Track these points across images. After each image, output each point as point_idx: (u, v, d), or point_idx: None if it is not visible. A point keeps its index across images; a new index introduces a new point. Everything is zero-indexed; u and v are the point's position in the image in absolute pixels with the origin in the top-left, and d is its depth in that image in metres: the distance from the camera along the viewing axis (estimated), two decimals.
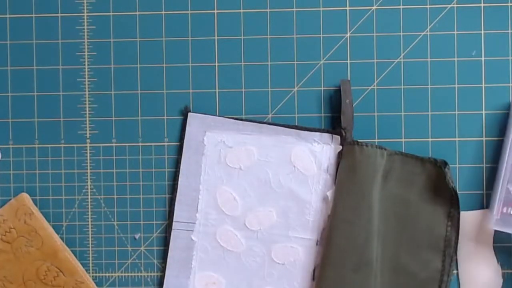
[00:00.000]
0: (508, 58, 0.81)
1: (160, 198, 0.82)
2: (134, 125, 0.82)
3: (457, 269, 0.81)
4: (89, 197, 0.83)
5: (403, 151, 0.81)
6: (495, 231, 0.80)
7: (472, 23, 0.81)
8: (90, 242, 0.83)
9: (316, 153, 0.81)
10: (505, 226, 0.77)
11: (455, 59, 0.81)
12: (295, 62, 0.82)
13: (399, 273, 0.79)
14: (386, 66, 0.81)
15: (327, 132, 0.81)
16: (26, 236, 0.81)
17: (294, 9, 0.82)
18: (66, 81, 0.83)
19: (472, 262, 0.80)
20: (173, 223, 0.81)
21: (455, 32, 0.81)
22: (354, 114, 0.80)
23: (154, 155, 0.82)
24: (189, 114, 0.81)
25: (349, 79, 0.81)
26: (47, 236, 0.81)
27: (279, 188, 0.81)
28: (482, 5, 0.81)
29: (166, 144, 0.82)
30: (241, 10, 0.82)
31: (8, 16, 0.83)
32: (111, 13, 0.82)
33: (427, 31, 0.81)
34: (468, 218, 0.80)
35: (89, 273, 0.82)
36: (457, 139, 0.81)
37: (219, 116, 0.82)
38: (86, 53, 0.82)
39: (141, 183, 0.82)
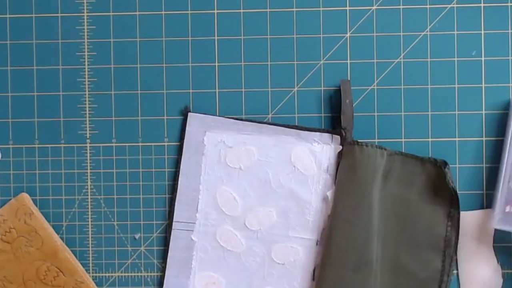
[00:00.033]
0: (508, 58, 0.81)
1: (160, 198, 0.82)
2: (134, 125, 0.82)
3: (457, 269, 0.81)
4: (89, 197, 0.83)
5: (403, 151, 0.81)
6: (495, 231, 0.80)
7: (472, 23, 0.81)
8: (90, 242, 0.83)
9: (316, 153, 0.81)
10: (508, 225, 0.77)
11: (455, 59, 0.81)
12: (295, 62, 0.82)
13: (399, 273, 0.79)
14: (386, 66, 0.81)
15: (327, 132, 0.81)
16: (26, 236, 0.81)
17: (294, 9, 0.82)
18: (66, 81, 0.83)
19: (472, 262, 0.80)
20: (173, 223, 0.81)
21: (455, 32, 0.81)
22: (354, 114, 0.80)
23: (154, 155, 0.82)
24: (189, 114, 0.81)
25: (349, 79, 0.81)
26: (47, 236, 0.81)
27: (279, 188, 0.81)
28: (482, 5, 0.81)
29: (166, 144, 0.82)
30: (241, 10, 0.82)
31: (8, 16, 0.83)
32: (111, 13, 0.82)
33: (427, 31, 0.81)
34: (468, 218, 0.80)
35: (89, 273, 0.82)
36: (457, 139, 0.81)
37: (219, 116, 0.81)
38: (86, 53, 0.82)
39: (141, 183, 0.82)
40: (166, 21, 0.82)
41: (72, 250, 0.82)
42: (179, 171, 0.81)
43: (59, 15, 0.82)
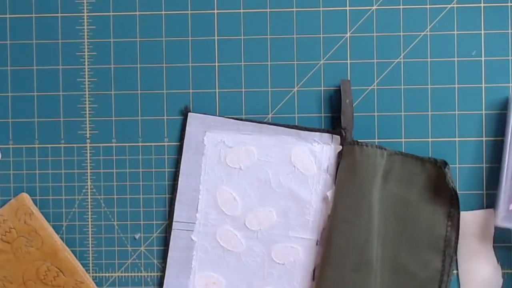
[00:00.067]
0: (508, 58, 0.81)
1: (160, 198, 0.82)
2: (134, 125, 0.82)
3: (457, 269, 0.81)
4: (89, 197, 0.83)
5: (403, 151, 0.81)
6: (495, 231, 0.80)
7: (472, 23, 0.81)
8: (90, 242, 0.83)
9: (316, 153, 0.81)
10: None
11: (455, 59, 0.81)
12: (295, 62, 0.82)
13: (399, 273, 0.79)
14: (386, 66, 0.81)
15: (327, 132, 0.81)
16: (26, 236, 0.81)
17: (294, 9, 0.82)
18: (66, 81, 0.83)
19: (472, 262, 0.80)
20: (173, 223, 0.81)
21: (455, 32, 0.81)
22: (354, 114, 0.80)
23: (154, 155, 0.82)
24: (189, 114, 0.81)
25: (349, 79, 0.81)
26: (47, 236, 0.81)
27: (279, 188, 0.81)
28: (482, 5, 0.81)
29: (166, 144, 0.82)
30: (241, 10, 0.82)
31: (8, 16, 0.83)
32: (111, 13, 0.82)
33: (427, 31, 0.81)
34: (468, 218, 0.80)
35: (89, 273, 0.82)
36: (457, 139, 0.81)
37: (219, 116, 0.81)
38: (86, 53, 0.82)
39: (141, 183, 0.82)
40: (166, 21, 0.82)
41: (72, 250, 0.82)
42: (179, 171, 0.81)
43: (59, 15, 0.82)
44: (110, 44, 0.82)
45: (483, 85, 0.81)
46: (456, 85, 0.81)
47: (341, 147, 0.80)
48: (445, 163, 0.79)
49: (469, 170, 0.81)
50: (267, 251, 0.81)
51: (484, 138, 0.81)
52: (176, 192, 0.81)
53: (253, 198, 0.81)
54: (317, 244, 0.81)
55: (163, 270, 0.82)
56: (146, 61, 0.82)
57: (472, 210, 0.81)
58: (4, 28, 0.83)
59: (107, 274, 0.83)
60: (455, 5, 0.81)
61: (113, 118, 0.82)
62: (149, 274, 0.82)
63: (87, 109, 0.83)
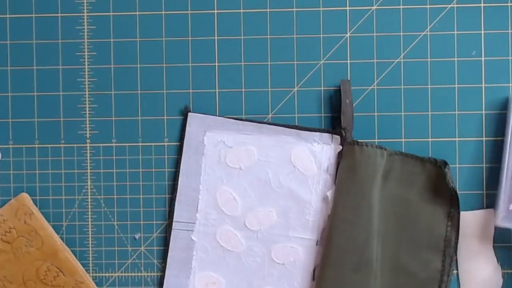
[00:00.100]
0: (508, 58, 0.81)
1: (160, 198, 0.82)
2: (134, 125, 0.82)
3: (457, 269, 0.81)
4: (89, 197, 0.83)
5: (403, 151, 0.81)
6: (495, 231, 0.80)
7: (472, 23, 0.81)
8: (90, 242, 0.83)
9: (316, 153, 0.81)
10: None
11: (455, 59, 0.81)
12: (295, 62, 0.82)
13: (399, 273, 0.79)
14: (386, 66, 0.81)
15: (327, 132, 0.81)
16: (26, 236, 0.81)
17: (294, 9, 0.82)
18: (66, 81, 0.83)
19: (472, 262, 0.80)
20: (173, 223, 0.81)
21: (455, 32, 0.81)
22: (354, 114, 0.80)
23: (154, 155, 0.82)
24: (189, 114, 0.81)
25: (349, 79, 0.81)
26: (47, 236, 0.81)
27: (279, 188, 0.81)
28: (482, 5, 0.81)
29: (166, 144, 0.82)
30: (241, 10, 0.82)
31: (8, 16, 0.83)
32: (111, 13, 0.82)
33: (427, 31, 0.81)
34: (468, 218, 0.80)
35: (89, 273, 0.82)
36: (457, 139, 0.81)
37: (219, 116, 0.82)
38: (86, 53, 0.82)
39: (141, 183, 0.82)
40: (166, 21, 0.82)
41: (72, 250, 0.82)
42: (179, 171, 0.81)
43: (59, 15, 0.82)
44: (110, 44, 0.82)
45: (483, 85, 0.81)
46: (456, 85, 0.81)
47: (341, 147, 0.80)
48: (445, 163, 0.79)
49: (469, 170, 0.81)
50: (267, 251, 0.81)
51: (484, 138, 0.81)
52: (176, 192, 0.81)
53: (253, 198, 0.81)
54: (317, 244, 0.81)
55: (163, 270, 0.82)
56: (146, 61, 0.82)
57: (472, 210, 0.81)
58: (4, 28, 0.83)
59: (107, 274, 0.83)
60: (455, 5, 0.81)
61: (113, 118, 0.82)
62: (149, 274, 0.82)
63: (87, 109, 0.83)
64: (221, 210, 0.81)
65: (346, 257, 0.78)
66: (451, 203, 0.79)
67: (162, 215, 0.82)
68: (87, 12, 0.82)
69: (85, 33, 0.82)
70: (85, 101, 0.83)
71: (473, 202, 0.81)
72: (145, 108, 0.82)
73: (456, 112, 0.81)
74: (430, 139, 0.81)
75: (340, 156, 0.80)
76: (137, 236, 0.82)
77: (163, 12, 0.82)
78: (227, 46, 0.82)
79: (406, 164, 0.79)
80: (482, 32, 0.81)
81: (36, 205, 0.82)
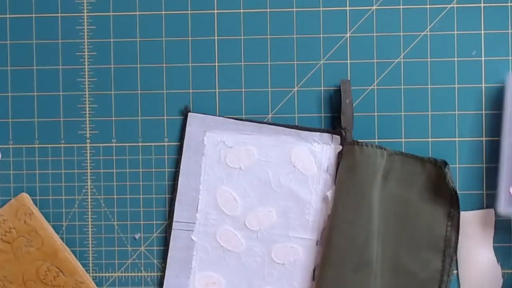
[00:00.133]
0: (508, 58, 0.81)
1: (160, 198, 0.82)
2: (134, 125, 0.82)
3: (457, 269, 0.81)
4: (89, 197, 0.83)
5: (403, 151, 0.81)
6: (495, 231, 0.80)
7: (472, 23, 0.81)
8: (90, 242, 0.83)
9: (316, 153, 0.81)
10: None
11: (455, 59, 0.81)
12: (295, 62, 0.82)
13: (399, 273, 0.79)
14: (386, 66, 0.81)
15: (327, 132, 0.81)
16: (26, 236, 0.81)
17: (294, 9, 0.82)
18: (66, 81, 0.83)
19: (472, 262, 0.80)
20: (173, 223, 0.81)
21: (455, 32, 0.81)
22: (354, 114, 0.80)
23: (154, 155, 0.82)
24: (189, 114, 0.81)
25: (349, 79, 0.81)
26: (47, 236, 0.81)
27: (279, 188, 0.81)
28: (482, 5, 0.81)
29: (166, 144, 0.82)
30: (241, 10, 0.82)
31: (8, 16, 0.83)
32: (111, 13, 0.82)
33: (427, 31, 0.81)
34: (468, 218, 0.80)
35: (89, 273, 0.82)
36: (457, 139, 0.81)
37: (219, 116, 0.82)
38: (86, 53, 0.82)
39: (141, 183, 0.82)
40: (166, 21, 0.82)
41: (72, 250, 0.82)
42: (179, 171, 0.81)
43: (59, 15, 0.82)
44: (110, 44, 0.82)
45: (483, 85, 0.81)
46: (456, 85, 0.81)
47: (341, 147, 0.80)
48: (445, 163, 0.79)
49: (469, 170, 0.81)
50: (267, 251, 0.81)
51: (484, 138, 0.81)
52: (176, 192, 0.81)
53: (253, 198, 0.81)
54: (317, 244, 0.81)
55: (163, 270, 0.82)
56: (146, 61, 0.82)
57: (472, 210, 0.81)
58: (4, 28, 0.83)
59: (107, 274, 0.83)
60: (455, 5, 0.81)
61: (113, 118, 0.82)
62: (149, 274, 0.82)
63: (87, 109, 0.83)
64: (221, 210, 0.81)
65: (346, 257, 0.78)
66: (451, 203, 0.79)
67: (162, 215, 0.82)
68: (87, 12, 0.82)
69: (85, 33, 0.82)
70: (85, 101, 0.83)
71: (473, 202, 0.81)
72: (145, 108, 0.82)
73: (456, 112, 0.81)
74: (430, 139, 0.81)
75: (340, 156, 0.80)
76: (137, 236, 0.82)
77: (163, 12, 0.82)
78: (227, 46, 0.82)
79: (406, 164, 0.79)
80: (482, 32, 0.81)
81: (36, 205, 0.82)
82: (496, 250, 0.80)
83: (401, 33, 0.81)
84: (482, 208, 0.81)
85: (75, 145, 0.83)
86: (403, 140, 0.81)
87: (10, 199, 0.82)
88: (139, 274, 0.82)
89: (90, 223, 0.83)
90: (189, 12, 0.82)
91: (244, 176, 0.81)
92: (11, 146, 0.83)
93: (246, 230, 0.81)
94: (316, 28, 0.81)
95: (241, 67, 0.82)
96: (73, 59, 0.83)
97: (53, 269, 0.81)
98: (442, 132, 0.81)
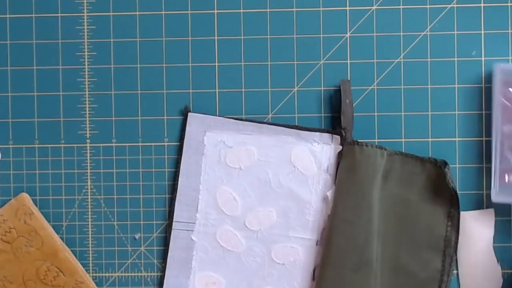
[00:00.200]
0: (508, 58, 0.81)
1: (160, 198, 0.82)
2: (134, 125, 0.82)
3: (457, 269, 0.81)
4: (89, 197, 0.83)
5: (403, 151, 0.81)
6: (495, 231, 0.80)
7: (472, 23, 0.81)
8: (90, 242, 0.83)
9: (316, 153, 0.81)
10: (508, 196, 0.77)
11: (455, 59, 0.81)
12: (295, 62, 0.82)
13: (399, 273, 0.79)
14: (386, 66, 0.81)
15: (327, 132, 0.81)
16: (26, 236, 0.81)
17: (294, 9, 0.82)
18: (66, 81, 0.83)
19: (472, 262, 0.80)
20: (173, 223, 0.81)
21: (455, 32, 0.81)
22: (354, 114, 0.80)
23: (154, 155, 0.82)
24: (189, 114, 0.81)
25: (349, 79, 0.81)
26: (47, 236, 0.81)
27: (279, 188, 0.81)
28: (482, 5, 0.81)
29: (166, 144, 0.82)
30: (241, 10, 0.82)
31: (8, 16, 0.83)
32: (111, 13, 0.82)
33: (427, 31, 0.81)
34: (468, 218, 0.80)
35: (89, 273, 0.82)
36: (457, 139, 0.81)
37: (219, 116, 0.82)
38: (86, 53, 0.82)
39: (141, 183, 0.82)
40: (166, 21, 0.82)
41: (72, 250, 0.82)
42: (179, 171, 0.81)
43: (59, 15, 0.82)
44: (110, 44, 0.82)
45: (483, 85, 0.81)
46: (456, 85, 0.81)
47: (341, 147, 0.80)
48: (445, 163, 0.79)
49: (469, 170, 0.81)
50: (267, 251, 0.81)
51: (484, 138, 0.81)
52: (176, 192, 0.81)
53: (253, 198, 0.81)
54: (317, 244, 0.81)
55: (163, 270, 0.82)
56: (146, 61, 0.82)
57: (472, 210, 0.81)
58: (4, 28, 0.83)
59: (107, 274, 0.83)
60: (455, 5, 0.81)
61: (113, 118, 0.82)
62: (149, 274, 0.82)
63: (87, 109, 0.83)
64: (221, 210, 0.81)
65: (346, 257, 0.78)
66: (451, 203, 0.79)
67: (162, 215, 0.82)
68: (87, 12, 0.82)
69: (85, 33, 0.82)
70: (85, 101, 0.83)
71: (473, 202, 0.81)
72: (145, 108, 0.82)
73: (456, 112, 0.81)
74: (430, 139, 0.81)
75: (340, 156, 0.80)
76: (137, 236, 0.82)
77: (163, 12, 0.82)
78: (227, 46, 0.82)
79: (406, 164, 0.79)
80: (482, 32, 0.81)
81: (36, 205, 0.82)
82: (496, 250, 0.80)
83: (401, 33, 0.81)
84: (482, 208, 0.81)
85: (75, 145, 0.83)
86: (403, 140, 0.81)
87: (10, 199, 0.82)
88: (139, 274, 0.82)
89: (90, 223, 0.83)
90: (189, 12, 0.82)
91: (244, 176, 0.81)
92: (11, 146, 0.83)
93: (246, 230, 0.81)
94: (316, 28, 0.81)
95: (241, 67, 0.82)
96: (73, 59, 0.83)
97: (53, 269, 0.81)
98: (442, 132, 0.81)
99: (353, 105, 0.80)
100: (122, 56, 0.82)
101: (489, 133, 0.80)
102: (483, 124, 0.81)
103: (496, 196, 0.77)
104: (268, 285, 0.81)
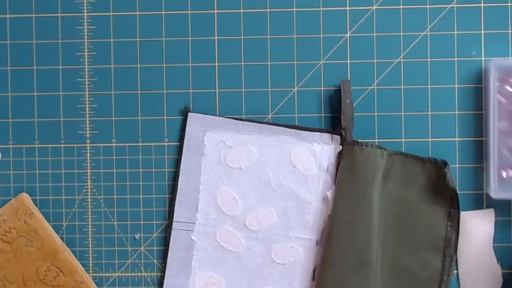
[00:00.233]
0: (508, 58, 0.81)
1: (160, 198, 0.82)
2: (134, 125, 0.82)
3: (457, 269, 0.81)
4: (89, 197, 0.83)
5: (403, 151, 0.81)
6: (495, 231, 0.80)
7: (472, 23, 0.81)
8: (90, 242, 0.83)
9: (316, 153, 0.81)
10: (507, 192, 0.77)
11: (455, 59, 0.81)
12: (295, 62, 0.82)
13: (399, 273, 0.79)
14: (386, 66, 0.81)
15: (327, 132, 0.81)
16: (26, 236, 0.81)
17: (294, 9, 0.82)
18: (66, 81, 0.83)
19: (472, 262, 0.80)
20: (173, 223, 0.81)
21: (455, 32, 0.81)
22: (354, 114, 0.80)
23: (154, 155, 0.82)
24: (189, 114, 0.81)
25: (349, 79, 0.81)
26: (47, 236, 0.81)
27: (279, 188, 0.81)
28: (482, 5, 0.81)
29: (166, 144, 0.82)
30: (241, 10, 0.82)
31: (8, 16, 0.83)
32: (111, 13, 0.82)
33: (427, 31, 0.81)
34: (468, 218, 0.80)
35: (89, 273, 0.82)
36: (457, 139, 0.81)
37: (219, 116, 0.81)
38: (86, 53, 0.82)
39: (141, 183, 0.82)
40: (166, 21, 0.82)
41: (72, 250, 0.82)
42: (179, 171, 0.81)
43: (59, 15, 0.82)
44: (110, 44, 0.82)
45: (483, 85, 0.81)
46: (456, 85, 0.81)
47: (341, 147, 0.80)
48: (445, 163, 0.79)
49: (469, 170, 0.81)
50: (267, 251, 0.81)
51: (484, 138, 0.81)
52: (176, 192, 0.81)
53: (253, 198, 0.81)
54: (317, 244, 0.81)
55: (163, 270, 0.82)
56: (146, 61, 0.82)
57: (472, 210, 0.81)
58: (4, 28, 0.83)
59: (107, 274, 0.83)
60: (455, 5, 0.81)
61: (113, 118, 0.82)
62: (149, 274, 0.82)
63: (87, 109, 0.83)
64: (221, 210, 0.81)
65: (346, 257, 0.78)
66: (451, 203, 0.79)
67: (162, 215, 0.82)
68: (87, 12, 0.82)
69: (85, 33, 0.82)
70: (85, 101, 0.83)
71: (473, 202, 0.81)
72: (145, 108, 0.82)
73: (456, 112, 0.81)
74: (430, 139, 0.81)
75: (340, 156, 0.80)
76: (137, 236, 0.82)
77: (163, 12, 0.82)
78: (227, 46, 0.82)
79: (406, 164, 0.79)
80: (482, 32, 0.81)
81: (36, 205, 0.82)
82: (496, 250, 0.80)
83: (401, 33, 0.81)
84: (482, 208, 0.81)
85: (75, 145, 0.83)
86: (403, 140, 0.81)
87: (10, 199, 0.82)
88: (139, 274, 0.82)
89: (90, 223, 0.83)
90: (189, 12, 0.82)
91: (244, 176, 0.81)
92: (11, 146, 0.83)
93: (246, 230, 0.81)
94: (316, 28, 0.81)
95: (241, 67, 0.82)
96: (73, 59, 0.83)
97: (53, 269, 0.81)
98: (442, 132, 0.81)
99: (353, 105, 0.80)
100: (122, 56, 0.82)
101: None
102: (483, 124, 0.81)
103: (496, 193, 0.77)
104: (268, 285, 0.81)
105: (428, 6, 0.81)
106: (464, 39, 0.81)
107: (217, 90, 0.82)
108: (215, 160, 0.81)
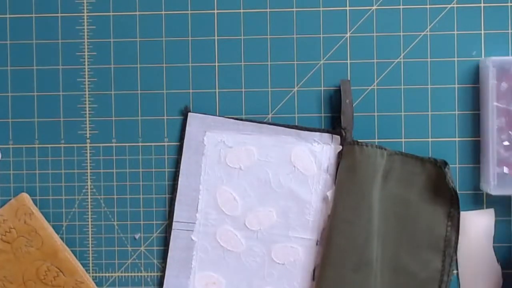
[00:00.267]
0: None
1: (160, 198, 0.82)
2: (134, 125, 0.82)
3: (457, 269, 0.81)
4: (89, 197, 0.83)
5: (403, 151, 0.81)
6: (495, 231, 0.80)
7: (472, 23, 0.81)
8: (90, 242, 0.83)
9: (316, 153, 0.81)
10: (506, 188, 0.77)
11: (455, 59, 0.81)
12: (295, 62, 0.82)
13: (399, 273, 0.79)
14: (386, 66, 0.81)
15: (327, 132, 0.81)
16: (26, 236, 0.81)
17: (294, 9, 0.82)
18: (66, 81, 0.83)
19: (472, 262, 0.80)
20: (173, 223, 0.81)
21: (455, 32, 0.81)
22: (354, 114, 0.80)
23: (154, 155, 0.82)
24: (189, 114, 0.81)
25: (349, 79, 0.81)
26: (47, 236, 0.81)
27: (279, 188, 0.81)
28: (482, 5, 0.81)
29: (166, 144, 0.82)
30: (241, 10, 0.82)
31: (8, 16, 0.83)
32: (111, 13, 0.82)
33: (427, 31, 0.81)
34: (468, 218, 0.80)
35: (89, 273, 0.82)
36: (457, 139, 0.81)
37: (219, 116, 0.82)
38: (86, 53, 0.82)
39: (141, 183, 0.82)
40: (166, 21, 0.82)
41: (72, 250, 0.82)
42: (179, 171, 0.81)
43: (59, 15, 0.82)
44: (110, 44, 0.82)
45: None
46: (456, 85, 0.81)
47: (341, 147, 0.80)
48: (445, 163, 0.79)
49: (469, 170, 0.81)
50: (267, 251, 0.81)
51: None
52: (176, 192, 0.81)
53: (253, 198, 0.81)
54: (317, 244, 0.81)
55: (163, 270, 0.82)
56: (146, 61, 0.82)
57: (472, 210, 0.81)
58: (4, 28, 0.83)
59: (107, 274, 0.83)
60: (455, 5, 0.81)
61: (113, 118, 0.82)
62: (149, 274, 0.82)
63: (87, 109, 0.83)
64: (221, 210, 0.81)
65: (346, 257, 0.78)
66: (451, 203, 0.79)
67: (162, 215, 0.82)
68: (87, 12, 0.82)
69: (85, 33, 0.82)
70: (85, 101, 0.83)
71: (473, 202, 0.81)
72: (145, 108, 0.82)
73: (456, 112, 0.81)
74: (430, 139, 0.81)
75: (340, 156, 0.80)
76: (137, 236, 0.82)
77: (163, 12, 0.82)
78: (227, 46, 0.82)
79: (406, 164, 0.79)
80: (482, 32, 0.81)
81: (36, 205, 0.82)
82: (496, 250, 0.80)
83: (401, 33, 0.81)
84: (482, 208, 0.81)
85: (75, 145, 0.83)
86: (403, 140, 0.81)
87: (10, 199, 0.82)
88: (139, 274, 0.82)
89: (90, 223, 0.83)
90: (189, 12, 0.82)
91: (244, 176, 0.81)
92: (11, 146, 0.83)
93: (246, 230, 0.81)
94: (316, 28, 0.81)
95: (241, 67, 0.82)
96: (73, 59, 0.83)
97: (53, 269, 0.81)
98: (442, 132, 0.81)
99: (353, 105, 0.80)
100: (122, 56, 0.82)
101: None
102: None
103: (495, 189, 0.77)
104: (268, 285, 0.81)
105: (428, 6, 0.81)
106: (464, 39, 0.81)
107: (217, 90, 0.82)
108: (215, 160, 0.81)
